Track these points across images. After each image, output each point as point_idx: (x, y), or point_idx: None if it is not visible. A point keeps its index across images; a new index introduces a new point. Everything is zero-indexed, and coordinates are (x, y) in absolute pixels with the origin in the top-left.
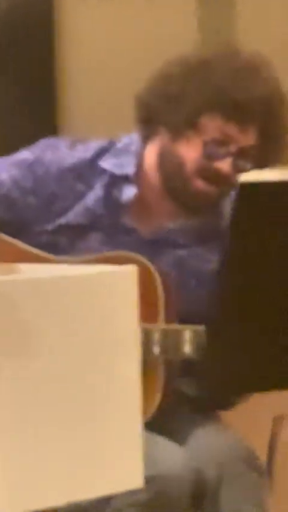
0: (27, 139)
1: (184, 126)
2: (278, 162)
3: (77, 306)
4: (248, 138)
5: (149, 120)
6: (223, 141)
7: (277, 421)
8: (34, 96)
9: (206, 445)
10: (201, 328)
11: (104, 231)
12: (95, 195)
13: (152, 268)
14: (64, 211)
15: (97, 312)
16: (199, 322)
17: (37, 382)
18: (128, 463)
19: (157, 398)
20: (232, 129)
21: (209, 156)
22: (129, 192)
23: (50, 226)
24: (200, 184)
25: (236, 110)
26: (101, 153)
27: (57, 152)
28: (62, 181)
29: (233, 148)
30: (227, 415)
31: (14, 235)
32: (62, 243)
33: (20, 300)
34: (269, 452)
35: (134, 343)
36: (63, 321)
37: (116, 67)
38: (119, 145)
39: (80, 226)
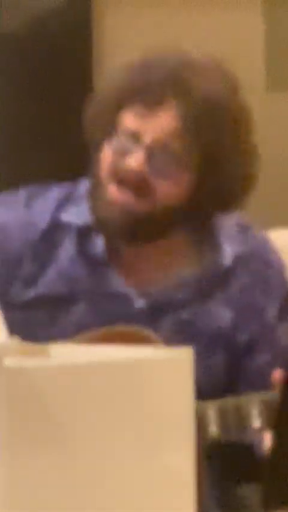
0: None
1: (104, 128)
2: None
3: (120, 398)
4: (162, 121)
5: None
6: (132, 133)
7: None
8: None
9: None
10: (225, 400)
11: (87, 300)
12: (66, 255)
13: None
14: (33, 279)
15: (146, 404)
16: (214, 395)
17: (72, 484)
18: None
19: None
20: (141, 112)
21: (117, 152)
22: (98, 245)
23: (20, 299)
24: (112, 189)
25: (142, 89)
26: (62, 203)
27: (12, 211)
28: (25, 243)
29: (146, 139)
30: None
31: None
32: (40, 319)
33: (49, 390)
34: None
35: (189, 434)
36: (102, 414)
37: None
38: (81, 188)
39: (57, 298)
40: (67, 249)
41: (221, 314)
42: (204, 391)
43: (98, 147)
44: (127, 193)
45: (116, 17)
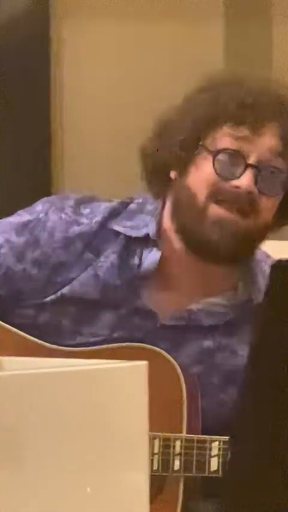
0: (22, 202)
1: (190, 150)
2: None
3: (73, 406)
4: (266, 141)
5: (157, 171)
6: (237, 153)
7: None
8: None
9: None
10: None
11: (116, 312)
12: (107, 263)
13: (176, 365)
14: (69, 282)
15: (97, 413)
16: (220, 430)
17: (28, 495)
18: None
19: None
20: (244, 133)
21: (222, 173)
22: (152, 257)
23: (50, 298)
24: (215, 209)
25: (246, 110)
26: (112, 215)
27: (61, 214)
28: (68, 248)
29: (251, 159)
30: None
31: (3, 313)
32: (64, 327)
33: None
34: None
35: (142, 449)
36: (56, 422)
37: (117, 123)
38: (132, 206)
39: (87, 302)
40: (109, 256)
41: (242, 351)
42: (212, 425)
43: (182, 168)
44: (232, 214)
45: (73, 29)
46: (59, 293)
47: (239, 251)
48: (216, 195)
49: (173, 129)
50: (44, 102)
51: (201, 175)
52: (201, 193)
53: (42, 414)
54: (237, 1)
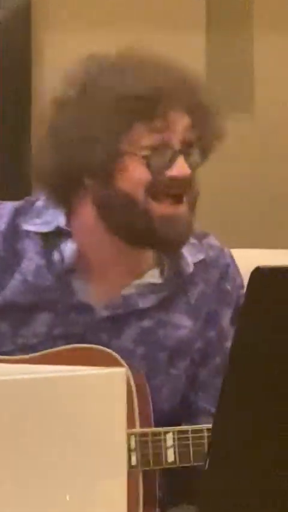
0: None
1: (110, 160)
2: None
3: (49, 413)
4: (179, 122)
5: (66, 182)
6: (162, 144)
7: None
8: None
9: None
10: (185, 428)
11: (53, 310)
12: (32, 265)
13: (123, 363)
14: None
15: (77, 420)
16: (176, 419)
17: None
18: None
19: None
20: (160, 123)
21: (155, 170)
22: (69, 249)
23: None
24: (158, 208)
25: (151, 104)
26: (19, 214)
27: None
28: None
29: (175, 144)
30: None
31: None
32: (3, 332)
33: None
34: None
35: (121, 454)
36: (33, 430)
37: None
38: (39, 203)
39: (21, 307)
40: (32, 258)
41: (182, 323)
42: (168, 402)
43: (102, 174)
44: (178, 205)
45: (54, 39)
46: None
47: (188, 235)
48: (154, 190)
49: (73, 137)
50: (26, 112)
51: (133, 176)
52: (138, 193)
53: (17, 422)
54: (219, 13)
